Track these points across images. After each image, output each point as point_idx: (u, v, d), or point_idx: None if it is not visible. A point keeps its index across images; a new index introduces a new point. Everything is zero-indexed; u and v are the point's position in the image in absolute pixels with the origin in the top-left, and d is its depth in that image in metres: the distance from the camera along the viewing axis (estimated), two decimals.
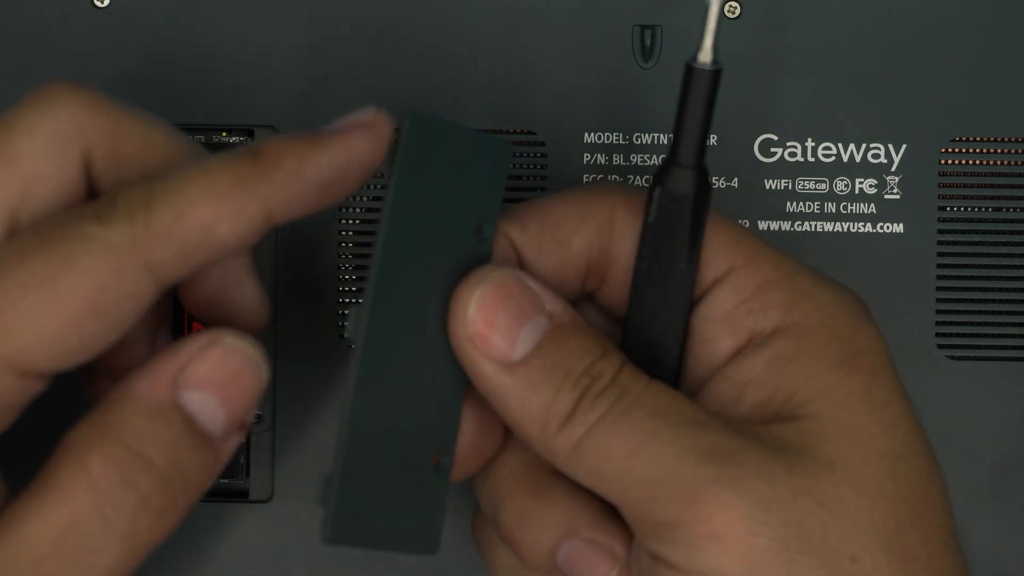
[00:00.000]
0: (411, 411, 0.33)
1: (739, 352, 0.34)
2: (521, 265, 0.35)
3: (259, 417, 0.41)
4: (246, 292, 0.35)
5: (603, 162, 0.41)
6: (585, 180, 0.41)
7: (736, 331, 0.34)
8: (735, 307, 0.34)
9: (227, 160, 0.31)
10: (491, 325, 0.32)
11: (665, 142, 0.41)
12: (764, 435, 0.32)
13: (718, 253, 0.34)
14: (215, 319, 0.35)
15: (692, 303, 0.34)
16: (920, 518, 0.32)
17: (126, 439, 0.30)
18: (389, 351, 0.32)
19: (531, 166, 0.41)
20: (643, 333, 0.34)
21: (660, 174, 0.34)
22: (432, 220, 0.33)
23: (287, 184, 0.31)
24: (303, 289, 0.41)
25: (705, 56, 0.33)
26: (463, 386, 0.34)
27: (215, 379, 0.32)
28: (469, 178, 0.34)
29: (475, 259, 0.34)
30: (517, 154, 0.41)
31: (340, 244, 0.41)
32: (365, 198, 0.41)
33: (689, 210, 0.33)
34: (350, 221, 0.41)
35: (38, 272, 0.30)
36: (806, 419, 0.32)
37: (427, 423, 0.34)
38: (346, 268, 0.41)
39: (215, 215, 0.30)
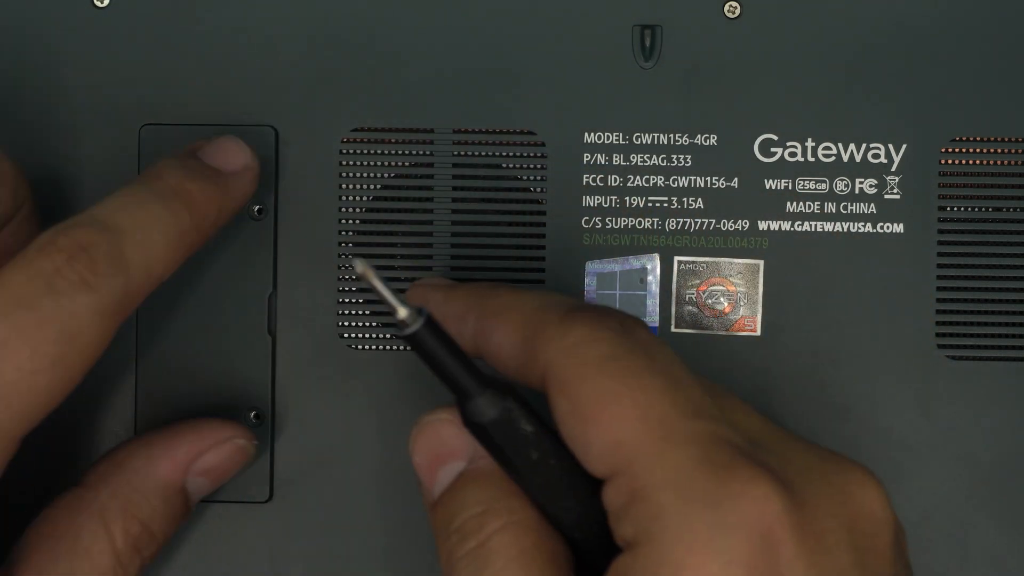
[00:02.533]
0: None
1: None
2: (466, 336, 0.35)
3: (259, 417, 0.41)
4: None
5: (603, 162, 0.41)
6: (585, 180, 0.41)
7: (616, 530, 0.31)
8: (612, 510, 0.31)
9: (168, 211, 0.35)
10: (418, 465, 0.34)
11: (665, 142, 0.41)
12: None
13: (600, 457, 0.31)
14: None
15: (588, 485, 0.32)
16: None
17: (143, 518, 0.36)
18: None
19: (531, 166, 0.41)
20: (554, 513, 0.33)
21: (464, 418, 0.33)
22: None
23: (208, 233, 0.37)
24: (303, 289, 0.41)
25: (403, 314, 0.32)
26: None
27: (218, 470, 0.38)
28: None
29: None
30: (517, 154, 0.41)
31: (340, 244, 0.41)
32: (365, 198, 0.41)
33: (507, 430, 0.32)
34: (350, 221, 0.41)
35: (23, 336, 0.32)
36: None
37: None
38: (346, 268, 0.41)
39: (167, 270, 0.35)
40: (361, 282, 0.41)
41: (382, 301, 0.32)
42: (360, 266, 0.31)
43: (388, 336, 0.41)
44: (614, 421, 0.30)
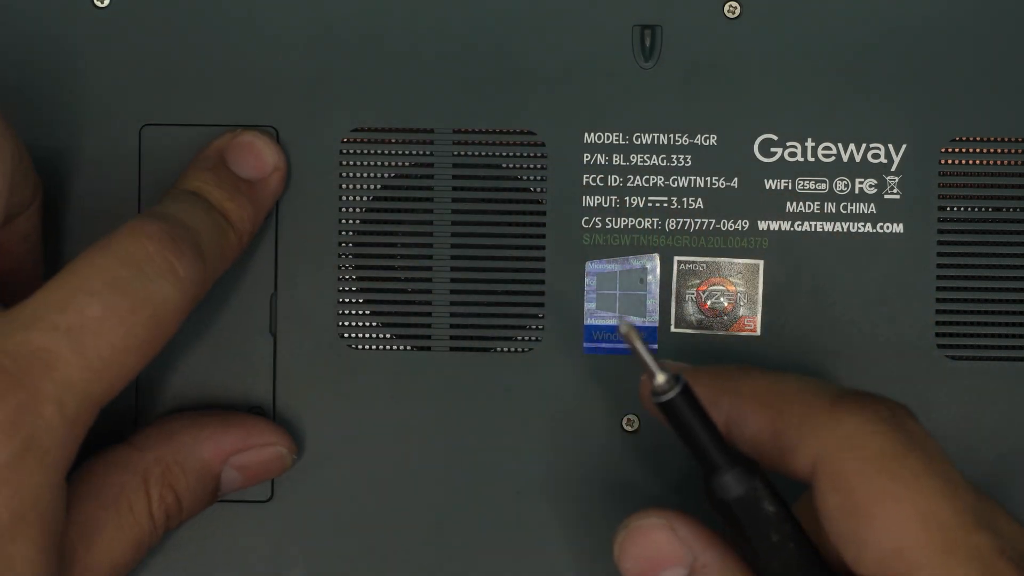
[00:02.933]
0: None
1: None
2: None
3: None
4: None
5: (603, 162, 0.41)
6: (585, 180, 0.41)
7: None
8: None
9: (217, 228, 0.38)
10: (628, 571, 0.33)
11: (665, 142, 0.41)
12: None
13: (876, 561, 0.30)
14: None
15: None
16: None
17: (179, 490, 0.38)
18: None
19: (531, 166, 0.41)
20: None
21: (707, 491, 0.32)
22: None
23: (246, 243, 0.39)
24: (303, 289, 0.41)
25: (661, 379, 0.31)
26: None
27: (254, 470, 0.39)
28: None
29: None
30: (517, 154, 0.41)
31: (340, 244, 0.41)
32: (365, 198, 0.41)
33: (751, 508, 0.31)
34: (350, 221, 0.41)
35: (119, 317, 0.34)
36: None
37: None
38: (346, 268, 0.41)
39: (218, 275, 0.38)
40: (362, 282, 0.41)
41: (641, 365, 0.31)
42: (624, 327, 0.31)
43: (388, 336, 0.41)
44: (895, 524, 0.29)
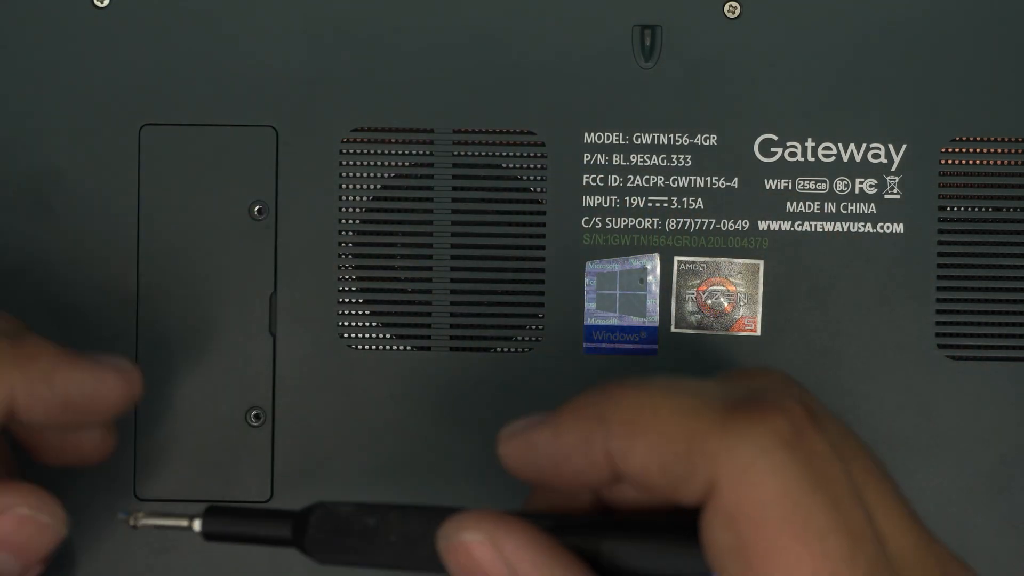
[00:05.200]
0: None
1: None
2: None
3: (259, 417, 0.41)
4: (72, 440, 0.36)
5: (603, 162, 0.41)
6: (585, 180, 0.41)
7: None
8: None
9: None
10: (451, 572, 0.31)
11: (665, 142, 0.41)
12: None
13: None
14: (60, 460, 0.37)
15: None
16: None
17: None
18: None
19: (531, 166, 0.41)
20: None
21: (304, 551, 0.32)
22: None
23: (35, 381, 0.34)
24: (303, 289, 0.41)
25: (185, 523, 0.33)
26: None
27: (10, 542, 0.34)
28: None
29: None
30: (517, 154, 0.41)
31: (340, 244, 0.41)
32: (365, 198, 0.41)
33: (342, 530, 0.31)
34: (350, 221, 0.41)
35: None
36: None
37: None
38: (346, 268, 0.41)
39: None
40: (362, 282, 0.41)
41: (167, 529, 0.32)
42: (132, 519, 0.33)
43: (388, 336, 0.41)
44: None
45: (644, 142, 0.41)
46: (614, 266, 0.41)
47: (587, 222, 0.41)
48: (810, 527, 0.26)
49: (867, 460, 0.29)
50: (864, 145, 0.41)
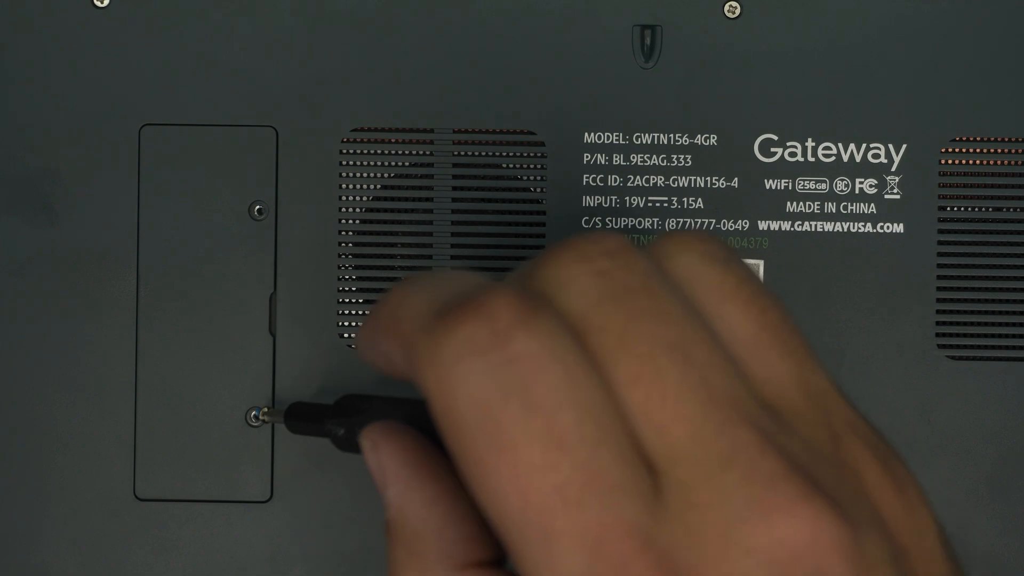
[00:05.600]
0: None
1: None
2: None
3: (258, 418, 0.41)
4: None
5: (603, 162, 0.41)
6: (585, 181, 0.41)
7: None
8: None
9: None
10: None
11: (665, 142, 0.41)
12: None
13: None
14: None
15: None
16: None
17: None
18: None
19: (531, 166, 0.41)
20: None
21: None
22: None
23: None
24: (303, 289, 0.41)
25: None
26: None
27: None
28: None
29: None
30: (517, 154, 0.41)
31: (340, 244, 0.41)
32: (365, 198, 0.41)
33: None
34: (350, 221, 0.41)
35: None
36: None
37: None
38: (346, 268, 0.41)
39: None
40: (362, 282, 0.41)
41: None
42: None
43: None
44: (490, 506, 0.24)
45: (644, 142, 0.41)
46: None
47: (587, 222, 0.41)
48: (502, 437, 0.23)
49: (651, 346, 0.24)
50: (864, 145, 0.41)
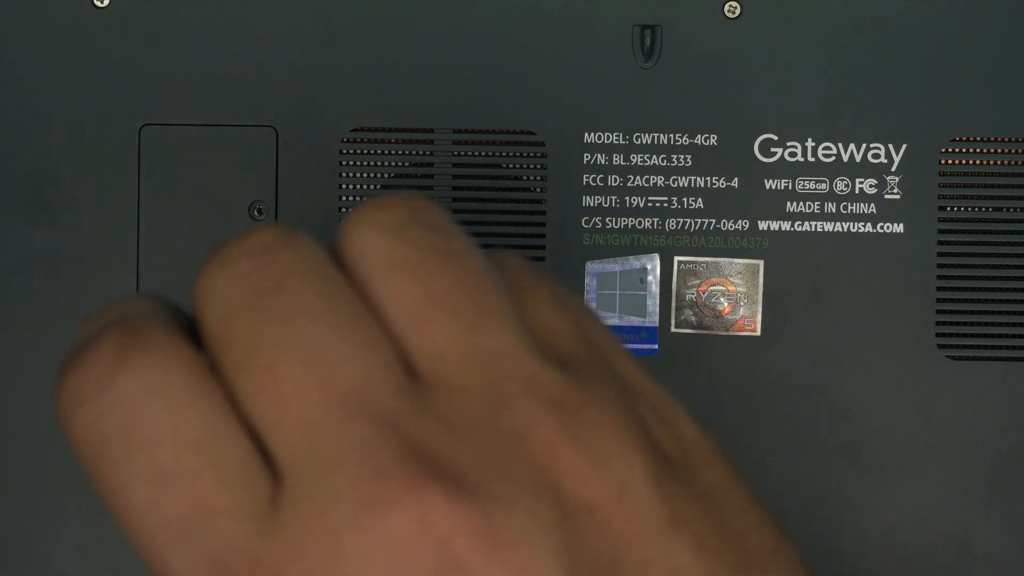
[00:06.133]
0: None
1: None
2: None
3: None
4: None
5: (603, 162, 0.41)
6: (585, 180, 0.41)
7: None
8: None
9: None
10: None
11: (665, 142, 0.41)
12: None
13: None
14: None
15: None
16: None
17: None
18: None
19: (531, 166, 0.41)
20: None
21: None
22: None
23: None
24: None
25: None
26: None
27: None
28: None
29: None
30: (517, 154, 0.41)
31: None
32: (365, 198, 0.41)
33: None
34: None
35: None
36: None
37: None
38: None
39: None
40: None
41: None
42: None
43: None
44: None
45: (644, 142, 0.41)
46: (614, 266, 0.41)
47: (587, 222, 0.41)
48: (112, 480, 0.23)
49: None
50: (864, 145, 0.41)
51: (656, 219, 0.41)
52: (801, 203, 0.41)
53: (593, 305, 0.41)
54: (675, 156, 0.41)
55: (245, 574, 0.22)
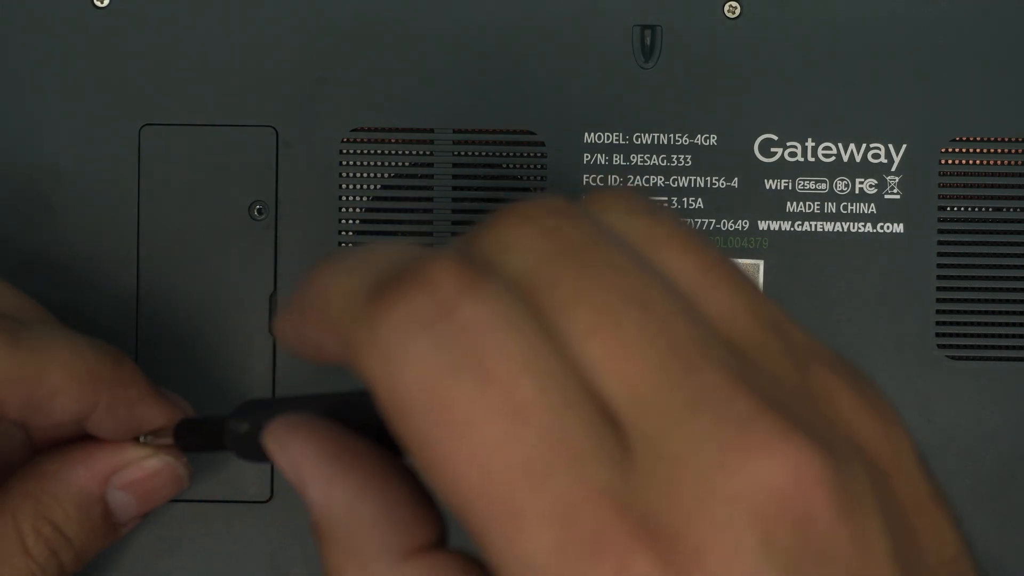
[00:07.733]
0: None
1: None
2: None
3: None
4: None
5: (603, 162, 0.41)
6: (585, 181, 0.41)
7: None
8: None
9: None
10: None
11: (665, 142, 0.41)
12: None
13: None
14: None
15: None
16: None
17: (57, 521, 0.35)
18: None
19: (531, 166, 0.41)
20: None
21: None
22: None
23: (120, 405, 0.36)
24: None
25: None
26: None
27: (142, 487, 0.36)
28: None
29: None
30: (517, 154, 0.41)
31: (340, 244, 0.41)
32: (365, 198, 0.41)
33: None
34: (350, 221, 0.41)
35: None
36: None
37: None
38: None
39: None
40: None
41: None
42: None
43: None
44: (447, 492, 0.22)
45: (644, 142, 0.41)
46: None
47: None
48: (457, 416, 0.21)
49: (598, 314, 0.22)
50: (864, 145, 0.41)
51: None
52: (801, 203, 0.41)
53: None
54: (675, 156, 0.41)
55: (606, 520, 0.20)
